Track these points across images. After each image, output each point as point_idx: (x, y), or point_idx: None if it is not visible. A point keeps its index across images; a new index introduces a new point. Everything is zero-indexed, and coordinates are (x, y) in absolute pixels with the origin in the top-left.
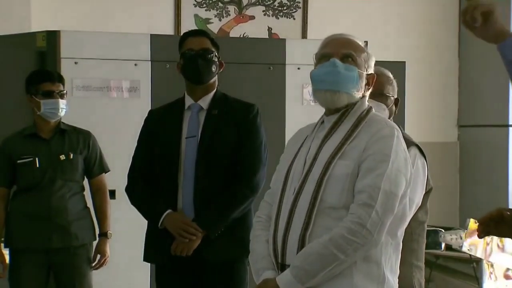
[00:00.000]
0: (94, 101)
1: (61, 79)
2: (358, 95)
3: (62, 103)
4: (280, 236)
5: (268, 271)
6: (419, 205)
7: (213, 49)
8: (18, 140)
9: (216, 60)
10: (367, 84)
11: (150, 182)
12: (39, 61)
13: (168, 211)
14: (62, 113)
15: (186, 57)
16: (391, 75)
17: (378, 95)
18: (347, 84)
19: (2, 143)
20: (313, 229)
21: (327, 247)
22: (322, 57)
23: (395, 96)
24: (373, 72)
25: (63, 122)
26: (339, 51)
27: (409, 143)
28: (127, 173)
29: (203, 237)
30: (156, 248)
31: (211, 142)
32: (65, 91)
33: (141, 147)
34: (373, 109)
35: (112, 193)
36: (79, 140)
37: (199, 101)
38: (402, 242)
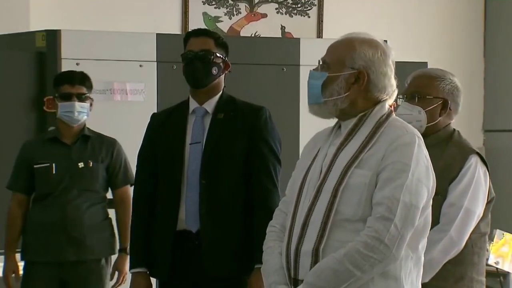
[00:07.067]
0: (97, 104)
1: (83, 81)
2: (343, 98)
3: (79, 106)
4: (292, 249)
5: (281, 285)
6: (481, 216)
7: (215, 50)
8: (37, 144)
9: (219, 61)
10: (355, 82)
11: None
12: (38, 62)
13: (142, 269)
14: (80, 116)
15: (184, 59)
16: (439, 74)
17: (417, 98)
18: (312, 95)
19: (21, 146)
20: (327, 243)
21: (342, 262)
22: None
23: (441, 96)
24: (361, 69)
25: (88, 128)
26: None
27: (470, 150)
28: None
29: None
30: (157, 264)
31: (217, 149)
32: (87, 94)
33: (144, 165)
34: (393, 113)
35: None
36: (102, 148)
37: (204, 104)
38: (462, 255)
